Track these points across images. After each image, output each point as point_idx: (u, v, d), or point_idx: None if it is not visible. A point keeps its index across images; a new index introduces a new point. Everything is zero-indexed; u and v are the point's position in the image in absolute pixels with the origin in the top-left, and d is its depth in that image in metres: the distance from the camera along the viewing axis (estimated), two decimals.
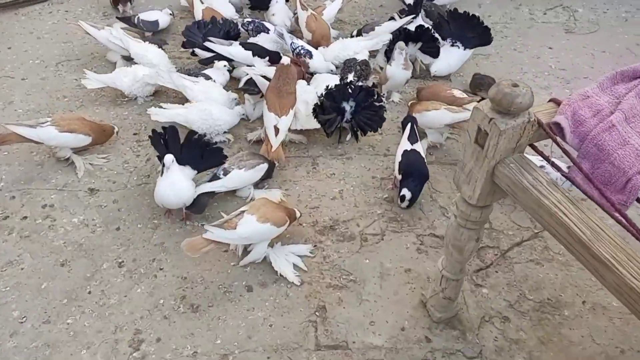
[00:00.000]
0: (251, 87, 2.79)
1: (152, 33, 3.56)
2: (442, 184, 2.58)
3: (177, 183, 2.18)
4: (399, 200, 2.38)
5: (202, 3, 3.54)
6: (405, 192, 2.35)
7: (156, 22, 3.56)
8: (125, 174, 2.57)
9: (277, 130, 2.53)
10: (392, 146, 2.81)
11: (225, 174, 2.33)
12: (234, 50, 3.09)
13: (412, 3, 3.50)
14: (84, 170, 2.54)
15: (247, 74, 2.84)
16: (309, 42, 3.40)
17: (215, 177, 2.34)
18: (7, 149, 2.67)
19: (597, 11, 4.21)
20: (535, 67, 3.55)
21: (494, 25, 3.99)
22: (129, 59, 3.31)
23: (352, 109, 2.68)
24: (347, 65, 3.13)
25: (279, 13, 3.65)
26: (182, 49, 3.30)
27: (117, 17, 3.64)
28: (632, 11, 4.19)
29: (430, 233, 2.31)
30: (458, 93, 2.93)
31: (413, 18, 3.43)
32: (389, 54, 3.19)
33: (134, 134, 2.82)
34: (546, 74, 3.48)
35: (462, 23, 3.25)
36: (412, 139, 2.49)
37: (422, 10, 3.55)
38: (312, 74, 3.18)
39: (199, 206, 2.28)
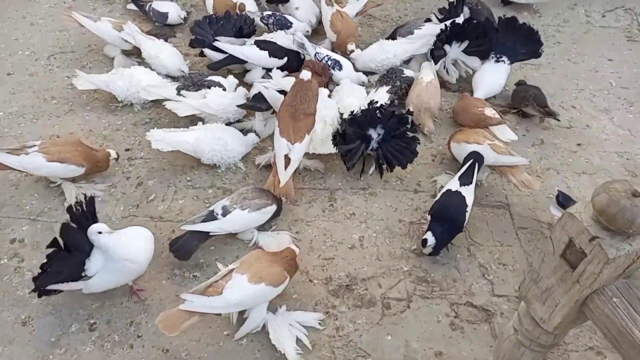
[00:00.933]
0: (258, 102, 2.38)
1: (161, 24, 3.16)
2: (482, 233, 2.17)
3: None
4: (420, 244, 1.99)
5: None
6: (428, 236, 1.96)
7: (165, 15, 3.15)
8: (111, 202, 2.21)
9: (288, 160, 2.13)
10: (424, 180, 2.39)
11: (224, 214, 1.95)
12: (247, 50, 2.67)
13: (453, 1, 3.01)
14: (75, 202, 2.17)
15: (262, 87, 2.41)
16: (332, 44, 2.97)
17: (211, 216, 1.96)
18: None
19: None
20: (592, 82, 3.06)
21: (545, 27, 3.49)
22: (129, 54, 2.93)
23: (380, 137, 2.26)
24: (388, 76, 2.71)
25: (303, 7, 3.19)
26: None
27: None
28: None
29: (467, 302, 1.92)
30: (489, 112, 2.50)
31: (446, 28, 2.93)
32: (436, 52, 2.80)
33: (126, 149, 2.45)
34: (605, 92, 2.99)
35: (514, 34, 2.77)
36: (466, 179, 2.08)
37: (464, 9, 3.06)
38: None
39: (185, 250, 1.91)
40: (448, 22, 2.85)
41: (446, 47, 2.82)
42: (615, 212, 0.92)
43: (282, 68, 2.72)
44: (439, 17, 3.06)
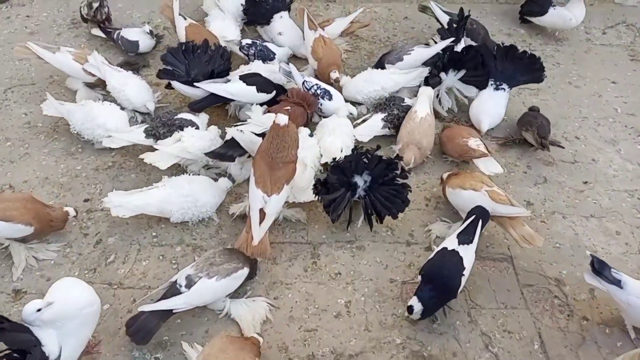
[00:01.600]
0: (230, 150, 2.13)
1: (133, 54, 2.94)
2: (484, 293, 1.93)
3: None
4: (406, 310, 1.77)
5: (185, 19, 2.84)
6: (414, 302, 1.74)
7: (136, 43, 2.92)
8: (65, 265, 1.96)
9: (263, 214, 1.88)
10: (417, 229, 2.16)
11: (188, 285, 1.70)
12: (233, 88, 2.43)
13: (453, 23, 2.79)
14: (24, 268, 1.92)
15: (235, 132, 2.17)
16: (314, 71, 2.73)
17: (174, 289, 1.71)
18: None
19: None
20: (596, 109, 2.84)
21: (543, 47, 3.28)
22: (93, 87, 2.68)
23: (367, 184, 2.03)
24: (386, 103, 2.52)
25: (287, 31, 2.96)
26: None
27: (99, 26, 3.00)
28: None
29: None
30: (473, 143, 2.30)
31: (453, 42, 2.72)
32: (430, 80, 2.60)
33: (85, 200, 2.20)
34: (611, 120, 2.77)
35: (513, 63, 2.56)
36: (466, 237, 1.83)
37: (464, 31, 2.85)
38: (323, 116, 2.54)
39: (143, 334, 1.65)
40: (444, 46, 2.64)
41: (442, 74, 2.61)
42: None
43: (269, 102, 2.49)
44: (435, 41, 2.85)
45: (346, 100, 2.60)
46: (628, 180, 2.43)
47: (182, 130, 2.25)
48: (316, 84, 2.52)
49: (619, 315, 1.83)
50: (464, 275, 1.77)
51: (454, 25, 2.78)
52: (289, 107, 2.33)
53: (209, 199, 2.08)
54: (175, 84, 2.46)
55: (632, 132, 2.70)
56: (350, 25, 2.97)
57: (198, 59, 2.47)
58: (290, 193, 2.03)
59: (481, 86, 2.58)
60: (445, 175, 2.18)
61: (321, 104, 2.51)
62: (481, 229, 1.86)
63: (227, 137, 2.17)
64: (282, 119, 1.90)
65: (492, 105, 2.51)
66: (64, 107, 2.37)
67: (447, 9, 3.03)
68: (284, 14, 3.00)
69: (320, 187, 1.99)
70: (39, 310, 1.44)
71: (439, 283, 1.75)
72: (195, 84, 2.42)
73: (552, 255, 2.08)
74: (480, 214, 1.88)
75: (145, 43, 2.96)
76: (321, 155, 2.24)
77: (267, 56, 2.82)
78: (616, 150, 2.59)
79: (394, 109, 2.48)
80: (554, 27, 3.25)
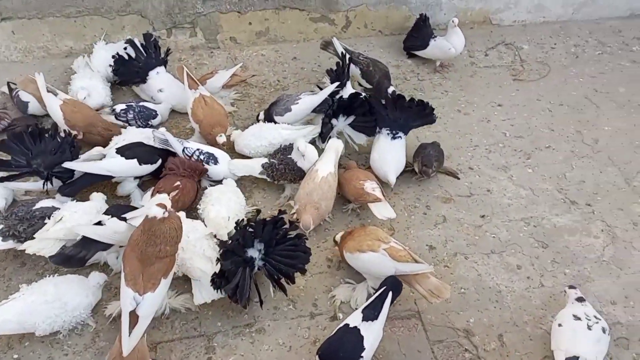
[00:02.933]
0: (84, 250, 1.88)
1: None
2: (394, 358, 1.83)
3: None
4: None
5: (57, 94, 2.51)
6: None
7: (26, 104, 2.64)
8: None
9: (135, 318, 1.66)
10: (320, 296, 2.03)
11: None
12: (110, 164, 2.19)
13: (335, 68, 2.73)
14: None
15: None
16: (200, 135, 2.55)
17: None
18: None
19: (544, 47, 3.62)
20: (486, 135, 2.89)
21: (430, 75, 3.31)
22: None
23: (262, 252, 1.87)
24: (274, 154, 2.42)
25: (168, 87, 2.77)
26: None
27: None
28: (581, 44, 3.65)
29: None
30: (369, 186, 2.25)
31: (339, 87, 2.65)
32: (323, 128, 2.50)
33: None
34: (501, 145, 2.83)
35: (404, 111, 2.49)
36: (371, 312, 1.71)
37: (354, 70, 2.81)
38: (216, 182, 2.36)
39: None
40: (329, 92, 2.57)
41: (333, 120, 2.52)
42: None
43: (156, 172, 2.29)
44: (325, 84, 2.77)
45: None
46: (522, 207, 2.46)
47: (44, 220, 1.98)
48: (197, 149, 2.34)
49: None
50: (362, 357, 1.64)
51: (337, 70, 2.72)
52: (178, 182, 2.14)
53: (81, 300, 1.83)
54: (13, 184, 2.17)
55: (521, 155, 2.76)
56: (231, 79, 2.82)
57: (44, 146, 2.16)
58: (198, 289, 1.85)
59: (370, 133, 2.52)
60: (338, 237, 2.07)
61: (207, 170, 2.33)
62: (391, 302, 1.75)
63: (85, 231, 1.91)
64: (156, 211, 1.70)
65: (393, 155, 2.43)
66: None
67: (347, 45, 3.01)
68: (160, 69, 2.81)
69: (218, 279, 1.79)
70: None
71: None
72: (64, 164, 2.16)
73: (459, 303, 2.03)
74: (391, 285, 1.77)
75: (35, 105, 2.65)
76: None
77: (149, 116, 2.63)
78: (508, 177, 2.62)
79: (274, 158, 2.37)
80: (437, 58, 3.30)
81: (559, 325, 1.80)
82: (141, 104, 2.65)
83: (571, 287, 1.95)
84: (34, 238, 1.89)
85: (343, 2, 3.38)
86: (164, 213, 1.69)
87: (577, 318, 1.78)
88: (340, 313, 1.97)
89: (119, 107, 2.60)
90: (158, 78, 2.80)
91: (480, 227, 2.35)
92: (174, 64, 3.08)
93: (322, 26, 3.47)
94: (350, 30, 3.52)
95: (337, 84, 2.64)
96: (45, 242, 1.88)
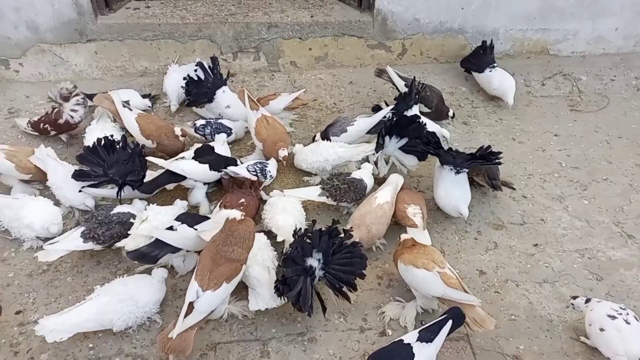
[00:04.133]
0: (156, 249, 2.04)
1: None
2: None
3: None
4: None
5: (131, 109, 2.75)
6: None
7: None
8: None
9: (191, 309, 1.79)
10: (370, 312, 2.09)
11: None
12: (186, 165, 2.39)
13: (403, 91, 2.83)
14: None
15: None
16: (262, 152, 2.70)
17: None
18: None
19: (604, 79, 3.59)
20: (541, 165, 2.89)
21: (485, 103, 3.35)
22: (29, 181, 2.57)
23: (322, 261, 1.96)
24: (330, 180, 2.50)
25: (234, 103, 2.95)
26: None
27: None
28: None
29: None
30: (411, 211, 2.31)
31: (394, 109, 2.74)
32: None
33: (17, 312, 2.06)
34: (556, 175, 2.82)
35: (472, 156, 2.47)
36: (427, 335, 1.75)
37: (417, 98, 2.89)
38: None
39: None
40: (384, 114, 2.66)
41: (386, 139, 2.61)
42: None
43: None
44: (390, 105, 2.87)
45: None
46: (577, 239, 2.44)
47: (122, 225, 2.17)
48: (255, 163, 2.53)
49: None
50: None
51: (404, 93, 2.81)
52: (242, 200, 2.29)
53: (150, 297, 1.98)
54: (87, 190, 2.37)
55: (578, 186, 2.74)
56: (293, 102, 2.98)
57: (117, 157, 2.35)
58: (253, 296, 1.97)
59: (421, 158, 2.57)
60: (402, 238, 2.12)
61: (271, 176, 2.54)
62: (449, 332, 1.77)
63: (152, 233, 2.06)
64: (235, 214, 1.86)
65: (459, 189, 2.43)
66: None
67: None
68: (225, 88, 3.00)
69: (281, 286, 1.90)
70: None
71: None
72: (149, 158, 2.39)
73: (509, 329, 2.03)
74: (453, 315, 1.80)
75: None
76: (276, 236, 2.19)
77: (224, 132, 2.82)
78: (564, 208, 2.61)
79: (335, 180, 2.47)
80: (482, 86, 3.34)
81: (601, 330, 1.83)
82: (219, 121, 2.85)
83: (574, 297, 2.02)
84: (128, 235, 2.08)
85: (400, 30, 3.50)
86: (242, 215, 1.83)
87: (612, 317, 1.83)
88: (390, 329, 2.02)
89: (199, 122, 2.82)
90: (224, 96, 2.99)
91: (532, 256, 2.35)
92: (237, 85, 3.29)
93: (378, 53, 3.59)
94: (405, 57, 3.63)
95: (391, 107, 2.74)
96: (140, 239, 2.06)
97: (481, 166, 2.50)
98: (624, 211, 2.58)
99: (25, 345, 1.94)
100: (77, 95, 2.77)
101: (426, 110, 2.99)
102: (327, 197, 2.44)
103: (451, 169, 2.40)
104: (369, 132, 2.75)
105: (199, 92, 2.97)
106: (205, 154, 2.49)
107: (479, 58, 3.35)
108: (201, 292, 1.81)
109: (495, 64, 3.30)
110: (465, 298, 1.88)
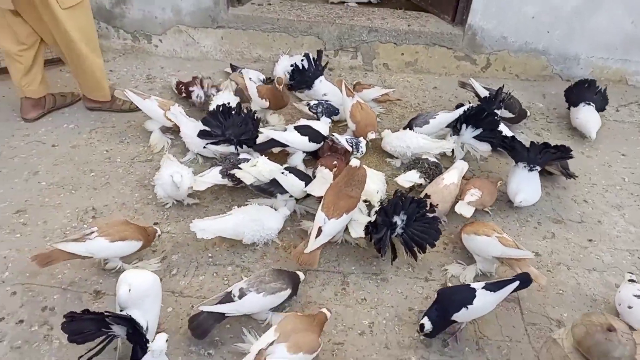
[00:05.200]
0: (272, 187, 2.56)
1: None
2: (491, 327, 2.21)
3: None
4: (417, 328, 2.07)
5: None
6: (425, 321, 2.03)
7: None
8: None
9: (320, 232, 2.27)
10: (435, 268, 2.47)
11: (240, 296, 2.05)
12: (289, 136, 2.87)
13: (490, 96, 3.19)
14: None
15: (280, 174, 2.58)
16: (353, 132, 3.16)
17: (228, 297, 2.06)
18: (22, 230, 2.52)
19: None
20: (605, 177, 3.15)
21: (559, 119, 3.64)
22: (165, 131, 3.17)
23: (404, 222, 2.37)
24: (413, 164, 2.90)
25: (330, 91, 3.42)
26: None
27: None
28: None
29: None
30: (472, 191, 2.65)
31: (493, 108, 3.08)
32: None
33: (154, 223, 2.60)
34: (618, 188, 3.07)
35: (547, 154, 2.78)
36: (491, 286, 2.06)
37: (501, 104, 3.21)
38: None
39: (202, 330, 2.01)
40: (463, 111, 3.02)
41: (463, 127, 2.99)
42: (590, 345, 1.00)
43: (314, 152, 2.97)
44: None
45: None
46: (630, 241, 2.69)
47: None
48: (348, 138, 3.00)
49: None
50: (466, 307, 2.01)
51: (489, 97, 3.17)
52: (335, 161, 2.76)
53: (273, 224, 2.47)
54: (210, 146, 2.90)
55: (637, 199, 2.98)
56: (382, 96, 3.43)
57: (232, 121, 2.84)
58: (351, 225, 2.44)
59: (495, 146, 2.92)
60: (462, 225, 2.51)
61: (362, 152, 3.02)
62: (512, 290, 2.04)
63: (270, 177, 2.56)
64: (355, 162, 2.34)
65: (527, 185, 2.73)
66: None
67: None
68: (322, 78, 3.48)
69: (372, 227, 2.34)
70: (129, 290, 1.83)
71: (443, 305, 2.04)
72: (260, 129, 2.88)
73: (555, 300, 2.34)
74: (522, 279, 2.04)
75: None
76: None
77: (332, 112, 3.28)
78: (621, 215, 2.86)
79: (424, 164, 2.86)
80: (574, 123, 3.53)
81: (629, 307, 2.11)
82: (328, 102, 3.32)
83: (629, 273, 2.32)
84: (240, 168, 2.59)
85: (487, 45, 3.87)
86: (360, 163, 2.32)
87: (638, 297, 2.10)
88: (450, 283, 2.38)
89: (312, 102, 3.30)
90: (321, 85, 3.47)
91: (586, 249, 2.63)
92: (335, 77, 3.78)
93: (464, 64, 3.98)
94: (488, 71, 3.99)
95: (469, 105, 3.10)
96: (243, 173, 2.56)
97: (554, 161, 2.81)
98: None
99: (160, 248, 2.48)
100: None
101: (509, 115, 3.33)
102: (425, 178, 2.80)
103: (524, 166, 2.72)
104: (447, 125, 3.14)
105: (301, 79, 3.45)
106: (304, 129, 2.97)
107: (577, 91, 3.52)
108: (327, 219, 2.29)
109: (591, 103, 3.47)
110: (520, 254, 2.23)
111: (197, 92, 3.39)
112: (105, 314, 1.78)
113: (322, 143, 2.95)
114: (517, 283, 2.04)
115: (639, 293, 2.15)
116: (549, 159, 2.79)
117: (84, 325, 1.80)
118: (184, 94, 3.48)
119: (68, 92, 3.50)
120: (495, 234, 2.32)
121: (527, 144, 2.83)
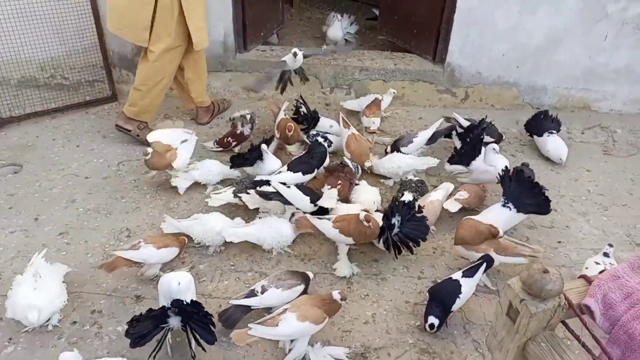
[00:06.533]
0: (272, 194, 2.93)
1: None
2: (476, 314, 2.59)
3: None
4: (427, 327, 2.41)
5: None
6: (432, 319, 2.38)
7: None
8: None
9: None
10: (426, 269, 2.86)
11: (262, 292, 2.43)
12: (284, 177, 3.16)
13: (475, 124, 3.62)
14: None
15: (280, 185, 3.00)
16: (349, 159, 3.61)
17: (252, 293, 2.44)
18: (66, 248, 2.89)
19: (637, 133, 4.27)
20: (572, 189, 3.59)
21: (531, 141, 4.11)
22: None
23: (399, 222, 2.76)
24: (403, 186, 3.34)
25: (335, 124, 3.88)
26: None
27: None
28: None
29: None
30: (460, 192, 3.15)
31: (449, 130, 3.64)
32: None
33: (186, 262, 2.99)
34: (584, 198, 3.51)
35: (522, 187, 2.89)
36: (468, 273, 2.49)
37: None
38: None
39: (231, 321, 2.38)
40: (437, 125, 3.55)
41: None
42: (531, 283, 1.40)
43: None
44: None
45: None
46: (593, 242, 3.11)
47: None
48: (352, 162, 3.44)
49: None
50: (459, 297, 2.43)
51: (472, 125, 3.62)
52: (340, 182, 3.18)
53: (289, 233, 2.86)
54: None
55: (600, 207, 3.42)
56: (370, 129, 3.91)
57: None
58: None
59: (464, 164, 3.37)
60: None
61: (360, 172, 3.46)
62: (483, 271, 2.53)
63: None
64: (365, 217, 2.65)
65: (493, 218, 2.82)
66: (182, 224, 2.85)
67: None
68: (321, 117, 3.94)
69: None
70: (179, 284, 2.23)
71: (439, 300, 2.43)
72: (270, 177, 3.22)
73: None
74: (486, 260, 2.55)
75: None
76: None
77: (329, 141, 3.74)
78: (586, 220, 3.30)
79: (412, 184, 3.30)
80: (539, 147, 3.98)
81: (586, 268, 2.64)
82: (326, 134, 3.78)
83: (610, 245, 2.74)
84: (249, 194, 3.01)
85: (464, 80, 4.40)
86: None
87: (597, 263, 2.62)
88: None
89: (312, 132, 3.77)
90: (322, 121, 3.94)
91: (555, 249, 3.05)
92: (332, 112, 4.26)
93: (445, 97, 4.49)
94: (467, 102, 4.50)
95: (441, 120, 3.64)
96: (248, 198, 2.98)
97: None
98: (637, 228, 3.23)
99: (188, 259, 2.86)
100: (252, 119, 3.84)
101: (490, 140, 3.75)
102: (416, 196, 3.21)
103: (501, 200, 2.91)
104: (427, 142, 3.64)
105: (312, 121, 3.90)
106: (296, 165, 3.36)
107: (537, 122, 3.94)
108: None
109: (553, 131, 3.83)
110: (516, 261, 2.72)
111: (242, 130, 3.76)
112: (166, 306, 2.15)
113: (316, 171, 3.33)
114: (485, 265, 2.52)
115: (598, 261, 2.63)
116: (526, 201, 2.89)
117: (143, 326, 2.15)
118: (233, 142, 3.76)
119: (221, 99, 4.35)
120: (493, 246, 2.70)
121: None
